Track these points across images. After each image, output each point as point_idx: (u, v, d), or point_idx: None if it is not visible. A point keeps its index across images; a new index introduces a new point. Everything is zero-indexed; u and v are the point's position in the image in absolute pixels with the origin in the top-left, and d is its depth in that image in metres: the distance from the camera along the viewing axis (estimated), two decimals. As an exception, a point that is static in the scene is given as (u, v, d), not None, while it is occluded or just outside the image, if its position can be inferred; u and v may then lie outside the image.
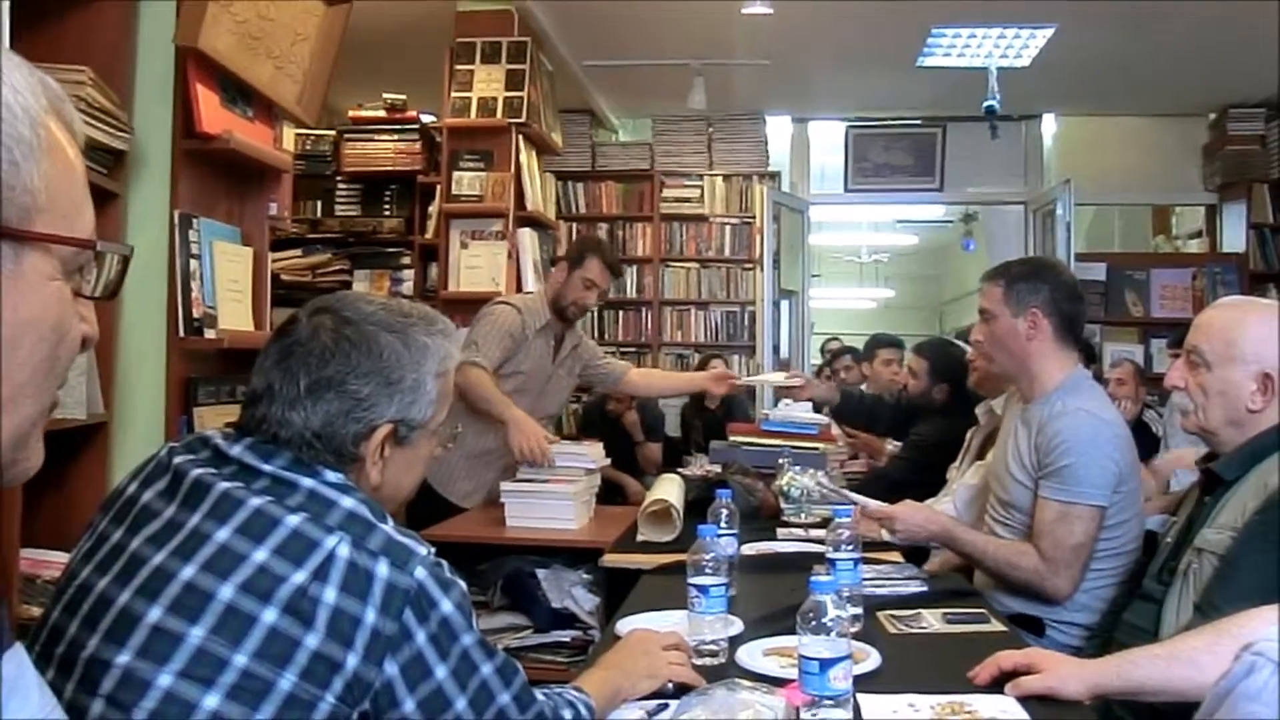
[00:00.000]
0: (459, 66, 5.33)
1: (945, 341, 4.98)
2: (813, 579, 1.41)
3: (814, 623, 1.37)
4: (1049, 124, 7.71)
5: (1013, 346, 2.49)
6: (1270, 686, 0.87)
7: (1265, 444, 1.87)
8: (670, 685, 1.63)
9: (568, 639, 2.92)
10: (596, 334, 7.53)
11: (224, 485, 1.20)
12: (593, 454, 3.43)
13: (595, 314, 7.54)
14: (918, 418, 4.14)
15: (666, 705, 1.53)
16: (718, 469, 3.72)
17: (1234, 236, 7.31)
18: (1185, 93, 6.94)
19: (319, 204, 5.91)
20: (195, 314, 2.60)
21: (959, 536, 2.42)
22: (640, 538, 2.95)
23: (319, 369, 1.26)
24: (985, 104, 6.00)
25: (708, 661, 1.76)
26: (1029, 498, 2.41)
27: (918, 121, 7.64)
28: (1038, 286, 2.46)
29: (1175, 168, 7.53)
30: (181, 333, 2.57)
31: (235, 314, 2.78)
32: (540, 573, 3.00)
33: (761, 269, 7.06)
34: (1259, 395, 1.89)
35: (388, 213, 5.83)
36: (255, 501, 1.18)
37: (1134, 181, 7.63)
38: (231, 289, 2.77)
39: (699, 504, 2.99)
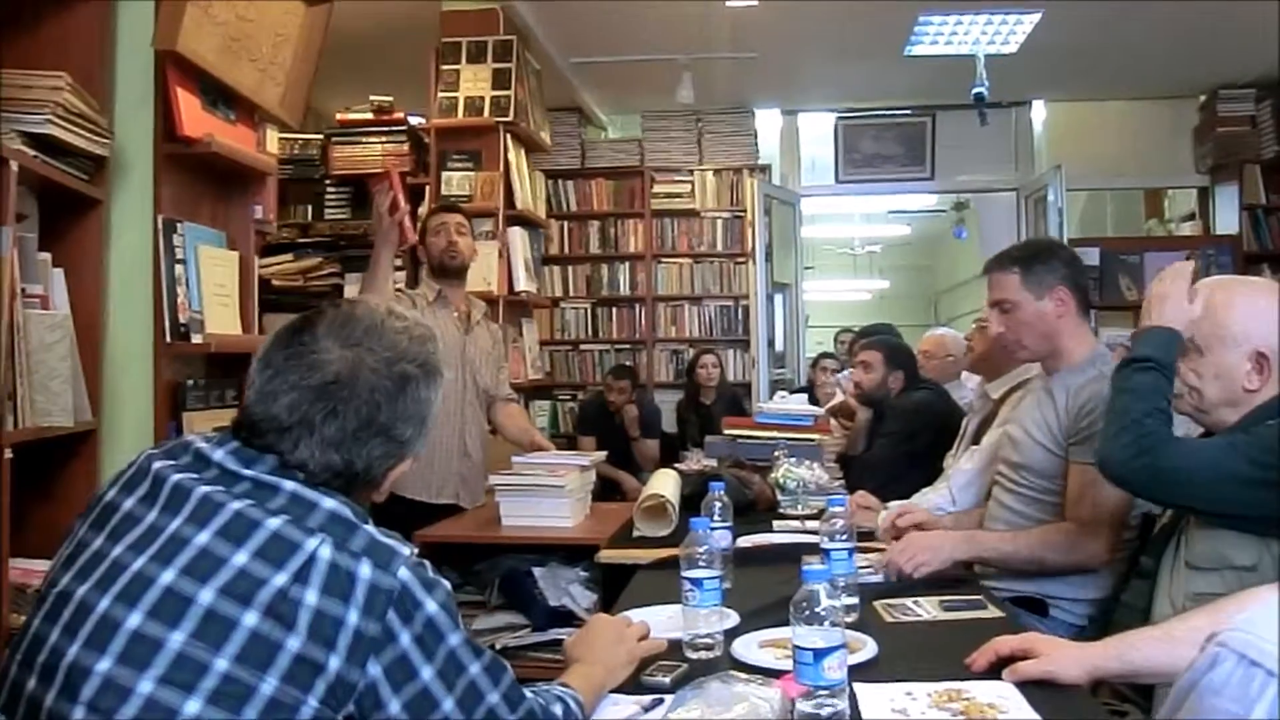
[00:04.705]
0: (445, 66, 5.32)
1: (888, 329, 4.99)
2: (805, 568, 1.40)
3: (807, 612, 1.35)
4: (1038, 110, 7.69)
5: (1042, 329, 2.45)
6: (1234, 679, 0.83)
7: (1260, 417, 1.86)
8: (667, 680, 1.62)
9: (565, 637, 2.90)
10: (590, 331, 7.52)
11: (204, 489, 1.19)
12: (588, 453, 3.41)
13: (589, 311, 7.54)
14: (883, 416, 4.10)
15: (661, 700, 1.51)
16: (714, 463, 3.72)
17: (1227, 218, 7.29)
18: (1174, 75, 6.92)
19: (309, 208, 5.89)
20: (181, 319, 2.58)
21: (981, 541, 2.40)
22: (636, 533, 2.93)
23: (369, 413, 1.26)
24: (974, 91, 5.99)
25: (703, 655, 1.74)
26: (1050, 462, 2.39)
27: (907, 111, 7.62)
28: (1054, 265, 2.44)
29: (1166, 151, 7.51)
30: (168, 338, 2.56)
31: (222, 318, 2.76)
32: (537, 571, 2.98)
33: (754, 263, 7.04)
34: (1255, 375, 1.87)
35: (377, 215, 5.79)
36: (235, 505, 1.17)
37: (1125, 165, 7.62)
38: (218, 293, 2.75)
39: (695, 498, 2.97)
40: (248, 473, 1.21)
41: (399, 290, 3.80)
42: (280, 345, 1.28)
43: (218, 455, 1.23)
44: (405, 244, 3.45)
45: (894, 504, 3.03)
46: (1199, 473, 1.81)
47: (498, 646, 2.89)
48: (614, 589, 2.59)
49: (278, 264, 5.07)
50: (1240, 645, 0.83)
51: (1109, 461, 1.92)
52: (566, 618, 2.89)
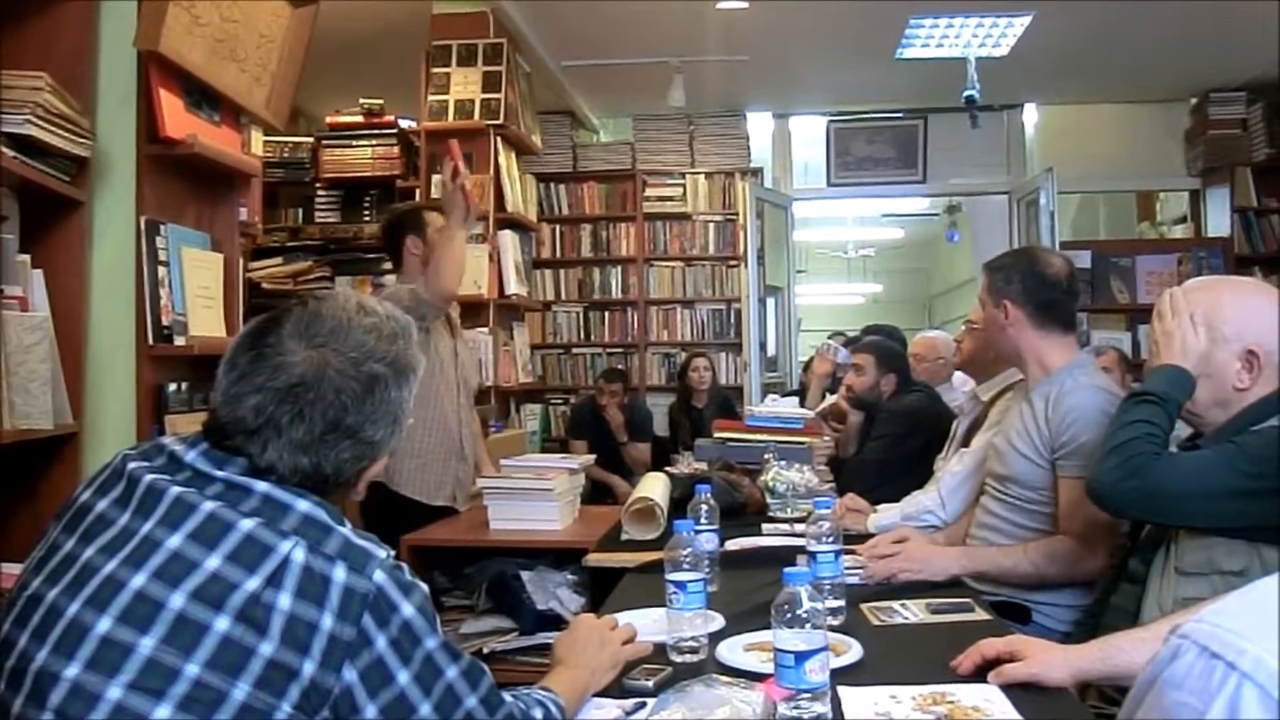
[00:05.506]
0: (435, 69, 5.31)
1: (883, 331, 4.97)
2: (786, 570, 1.38)
3: (789, 615, 1.34)
4: (1030, 113, 7.69)
5: (996, 335, 2.56)
6: (1195, 672, 0.80)
7: (1249, 419, 1.85)
8: (650, 683, 1.60)
9: (553, 641, 2.88)
10: (582, 335, 7.51)
11: (177, 490, 1.17)
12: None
13: (581, 314, 7.53)
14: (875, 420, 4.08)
15: (644, 704, 1.50)
16: (704, 466, 3.70)
17: (1218, 221, 7.30)
18: (1165, 78, 6.94)
19: (299, 211, 5.87)
20: (164, 321, 2.56)
21: (979, 557, 2.40)
22: (625, 536, 2.91)
23: (335, 415, 1.22)
24: (965, 93, 5.99)
25: (687, 658, 1.73)
26: (1034, 473, 2.39)
27: (899, 114, 7.61)
28: (1010, 277, 2.51)
29: (1158, 154, 7.52)
30: (151, 340, 2.53)
31: (206, 320, 2.74)
32: (525, 574, 2.96)
33: (746, 266, 7.03)
34: (1245, 373, 1.86)
35: (368, 218, 5.78)
36: (208, 506, 1.15)
37: (1117, 169, 7.62)
38: (202, 295, 2.73)
39: (685, 501, 2.95)
40: (220, 474, 1.19)
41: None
42: (245, 347, 1.25)
43: (189, 457, 1.21)
44: (470, 211, 3.38)
45: (883, 508, 3.02)
46: (1188, 490, 1.80)
47: (485, 651, 2.87)
48: (602, 592, 2.57)
49: (268, 267, 5.06)
50: (1203, 637, 0.80)
51: (1099, 487, 1.92)
52: (555, 621, 2.87)
